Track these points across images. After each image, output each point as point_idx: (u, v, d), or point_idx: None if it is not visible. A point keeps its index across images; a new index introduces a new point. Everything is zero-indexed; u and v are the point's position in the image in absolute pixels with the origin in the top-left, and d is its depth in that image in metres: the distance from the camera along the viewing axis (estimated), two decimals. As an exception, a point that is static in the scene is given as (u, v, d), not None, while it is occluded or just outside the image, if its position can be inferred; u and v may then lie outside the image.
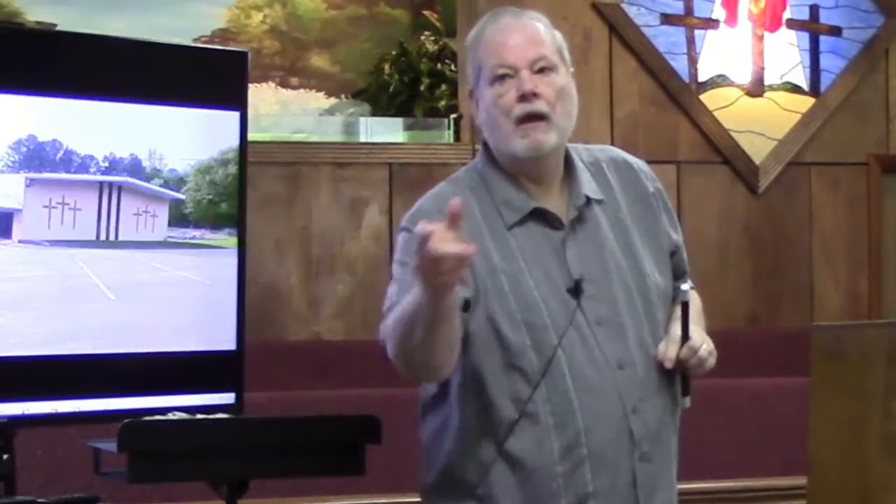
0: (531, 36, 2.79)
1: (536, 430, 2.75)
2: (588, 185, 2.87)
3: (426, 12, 7.86)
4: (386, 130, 7.43)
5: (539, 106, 2.75)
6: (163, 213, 3.89)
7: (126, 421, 3.30)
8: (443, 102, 7.40)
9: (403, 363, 2.71)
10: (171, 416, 3.53)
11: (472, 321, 2.76)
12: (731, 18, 7.46)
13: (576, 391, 2.74)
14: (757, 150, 7.45)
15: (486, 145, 2.89)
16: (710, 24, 7.42)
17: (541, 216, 2.82)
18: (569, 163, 2.87)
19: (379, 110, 7.61)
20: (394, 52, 7.65)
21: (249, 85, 4.15)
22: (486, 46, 2.80)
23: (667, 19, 7.33)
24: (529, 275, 2.77)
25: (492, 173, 2.85)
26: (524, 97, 2.75)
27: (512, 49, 2.77)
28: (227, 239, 3.98)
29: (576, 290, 2.77)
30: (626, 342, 2.80)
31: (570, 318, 2.76)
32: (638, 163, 3.00)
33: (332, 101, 7.82)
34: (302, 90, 7.81)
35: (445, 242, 2.46)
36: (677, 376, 2.89)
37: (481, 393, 2.77)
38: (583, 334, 2.77)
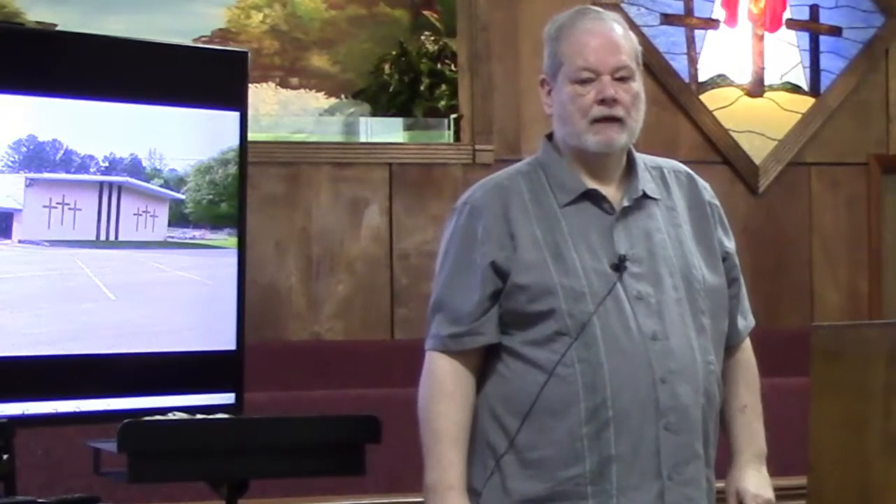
0: (615, 42, 2.91)
1: (566, 392, 2.81)
2: (646, 184, 2.97)
3: (426, 12, 7.86)
4: (386, 130, 7.42)
5: (617, 111, 2.90)
6: (163, 213, 3.89)
7: (126, 421, 3.30)
8: (443, 102, 7.40)
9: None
10: (171, 416, 3.53)
11: (509, 300, 2.85)
12: (731, 18, 7.45)
13: (606, 354, 2.81)
14: (757, 150, 7.44)
15: (548, 137, 3.00)
16: (710, 24, 7.42)
17: (594, 198, 2.91)
18: (630, 163, 2.98)
19: (379, 110, 7.61)
20: (394, 52, 7.65)
21: (249, 85, 4.15)
22: (571, 44, 2.91)
23: (667, 19, 7.33)
24: (573, 247, 2.87)
25: (552, 160, 2.95)
26: (604, 102, 2.88)
27: (596, 52, 2.89)
28: (227, 239, 3.98)
29: (618, 266, 2.85)
30: (663, 319, 2.87)
31: (608, 289, 2.83)
32: (700, 179, 3.11)
33: (332, 101, 7.83)
34: (302, 90, 7.81)
35: None
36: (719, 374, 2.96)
37: (515, 357, 2.86)
38: (620, 306, 2.84)
